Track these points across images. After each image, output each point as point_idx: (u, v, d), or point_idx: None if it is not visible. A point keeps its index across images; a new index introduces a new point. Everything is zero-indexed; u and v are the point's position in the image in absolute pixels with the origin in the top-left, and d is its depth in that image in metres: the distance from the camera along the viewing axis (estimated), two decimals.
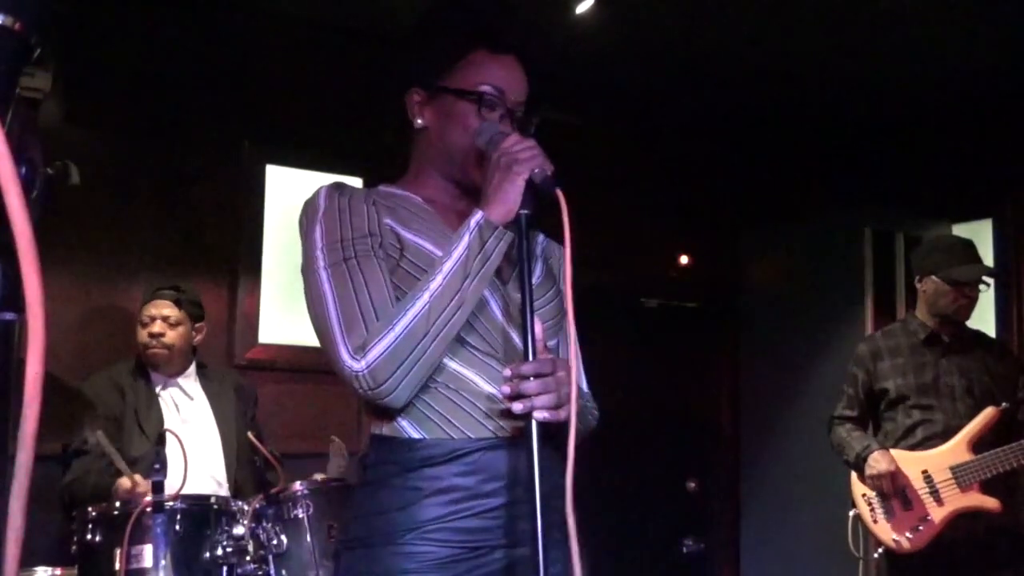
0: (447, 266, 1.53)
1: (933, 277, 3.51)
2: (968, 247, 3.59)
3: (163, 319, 3.39)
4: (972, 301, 3.54)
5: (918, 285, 3.60)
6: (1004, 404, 3.41)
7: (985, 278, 3.55)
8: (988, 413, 3.40)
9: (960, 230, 4.94)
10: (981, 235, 4.99)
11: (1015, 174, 4.91)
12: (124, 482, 2.94)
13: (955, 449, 3.41)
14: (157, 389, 3.39)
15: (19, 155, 0.73)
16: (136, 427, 3.26)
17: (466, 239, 1.54)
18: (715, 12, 4.35)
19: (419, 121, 1.70)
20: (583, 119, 4.99)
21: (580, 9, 4.17)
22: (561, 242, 1.54)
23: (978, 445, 3.40)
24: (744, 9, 4.31)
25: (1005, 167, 4.95)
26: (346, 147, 4.36)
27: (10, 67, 0.79)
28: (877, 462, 3.41)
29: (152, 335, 3.37)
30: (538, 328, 1.54)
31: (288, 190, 4.32)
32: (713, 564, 5.44)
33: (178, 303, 3.42)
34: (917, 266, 3.62)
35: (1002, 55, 4.60)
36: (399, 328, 1.50)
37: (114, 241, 4.04)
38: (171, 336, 3.39)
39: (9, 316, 0.77)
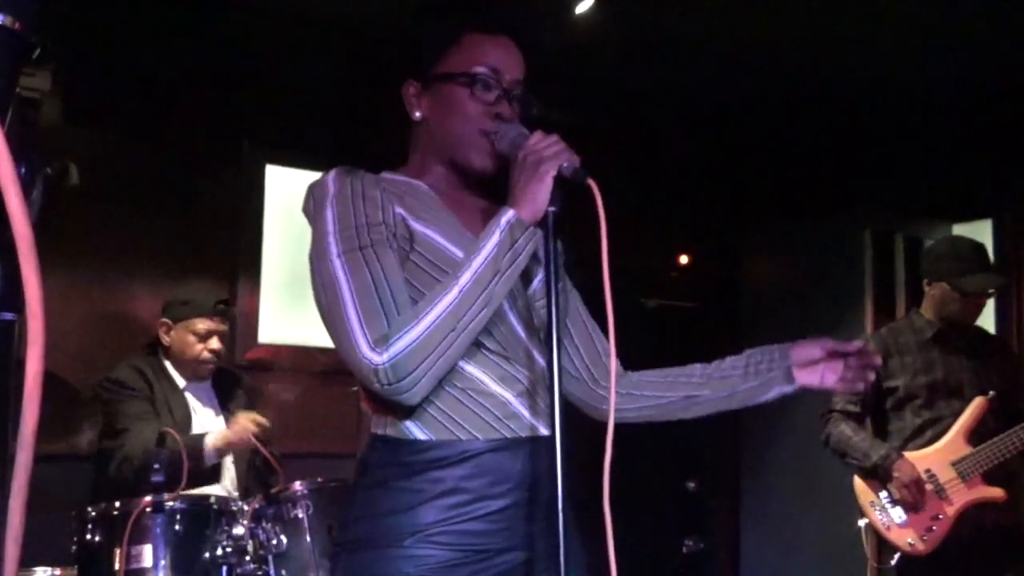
0: (476, 262, 1.49)
1: (943, 284, 3.50)
2: (979, 253, 3.55)
3: (220, 336, 3.44)
4: (980, 307, 3.55)
5: (927, 288, 3.58)
6: (991, 393, 3.41)
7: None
8: (977, 403, 3.41)
9: (960, 230, 4.94)
10: (981, 235, 4.98)
11: (1015, 174, 4.91)
12: (240, 422, 3.11)
13: (953, 444, 3.41)
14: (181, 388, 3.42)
15: (19, 155, 0.73)
16: (169, 416, 3.27)
17: (496, 236, 1.50)
18: (715, 12, 4.35)
19: (417, 113, 1.68)
20: (583, 119, 4.99)
21: (580, 9, 4.18)
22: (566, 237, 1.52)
23: (974, 437, 3.41)
24: (744, 9, 4.31)
25: (1005, 167, 4.95)
26: (346, 147, 4.35)
27: (10, 67, 0.79)
28: (901, 470, 3.37)
29: (212, 351, 3.41)
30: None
31: (288, 190, 4.32)
32: (713, 564, 5.44)
33: (229, 319, 3.54)
34: (927, 270, 3.59)
35: (1002, 55, 4.59)
36: (426, 322, 1.45)
37: (114, 241, 4.04)
38: (223, 351, 3.48)
39: (9, 316, 0.77)
